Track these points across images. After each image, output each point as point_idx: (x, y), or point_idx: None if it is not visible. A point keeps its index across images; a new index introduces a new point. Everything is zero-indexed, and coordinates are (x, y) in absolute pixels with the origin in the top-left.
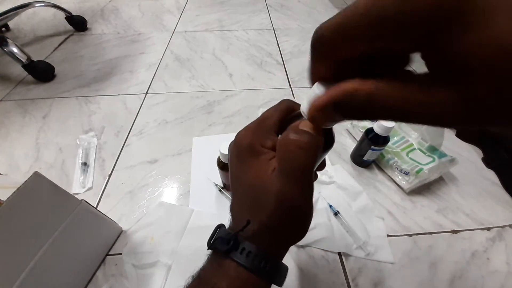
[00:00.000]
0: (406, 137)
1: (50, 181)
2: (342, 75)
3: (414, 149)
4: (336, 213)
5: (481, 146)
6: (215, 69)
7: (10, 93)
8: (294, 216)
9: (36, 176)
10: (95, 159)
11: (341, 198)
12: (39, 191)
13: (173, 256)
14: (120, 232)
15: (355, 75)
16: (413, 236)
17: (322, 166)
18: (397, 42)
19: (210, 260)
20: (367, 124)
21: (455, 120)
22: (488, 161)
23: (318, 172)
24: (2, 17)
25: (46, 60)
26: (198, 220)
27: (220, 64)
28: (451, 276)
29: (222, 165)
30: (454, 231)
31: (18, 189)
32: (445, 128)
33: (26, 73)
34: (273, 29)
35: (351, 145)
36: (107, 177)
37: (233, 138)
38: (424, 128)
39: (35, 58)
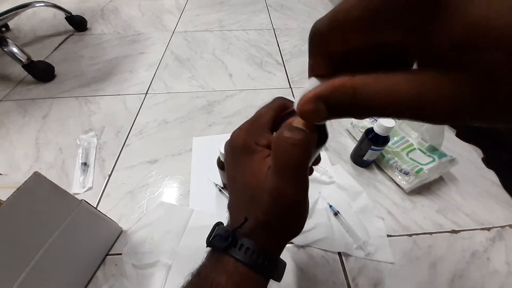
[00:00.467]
0: (406, 137)
1: (50, 181)
2: (337, 72)
3: (414, 149)
4: (336, 213)
5: (481, 146)
6: (215, 69)
7: (10, 93)
8: (290, 212)
9: (36, 176)
10: (95, 159)
11: (341, 198)
12: (39, 191)
13: (173, 256)
14: (120, 232)
15: (350, 72)
16: (413, 236)
17: (318, 161)
18: (387, 32)
19: (209, 257)
20: (367, 124)
21: (446, 111)
22: (488, 161)
23: (318, 171)
24: (2, 17)
25: (46, 60)
26: (198, 220)
27: (220, 64)
28: (451, 276)
29: (222, 165)
30: (454, 231)
31: (18, 189)
32: (445, 128)
33: (26, 73)
34: (273, 29)
35: (351, 145)
36: (107, 177)
37: None
38: (424, 128)
39: (35, 58)
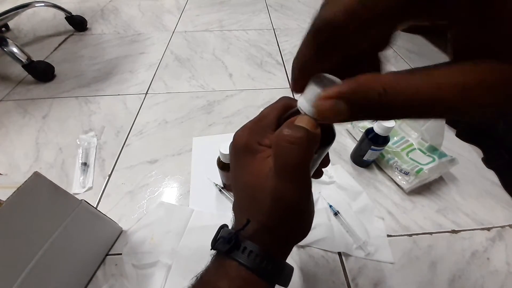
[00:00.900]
0: (406, 137)
1: (50, 181)
2: (339, 70)
3: (414, 149)
4: (336, 213)
5: (481, 146)
6: (215, 69)
7: (10, 93)
8: (293, 214)
9: (36, 176)
10: (95, 159)
11: (341, 198)
12: (39, 191)
13: (173, 256)
14: (120, 232)
15: (351, 70)
16: (413, 236)
17: (326, 162)
18: (432, 19)
19: (213, 261)
20: (367, 124)
21: (494, 102)
22: (488, 161)
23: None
24: (2, 17)
25: (46, 60)
26: (198, 220)
27: (220, 64)
28: (451, 276)
29: (222, 165)
30: (454, 231)
31: (18, 189)
32: (445, 128)
33: (26, 73)
34: (273, 29)
35: (351, 145)
36: (107, 177)
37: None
38: (424, 128)
39: (35, 58)
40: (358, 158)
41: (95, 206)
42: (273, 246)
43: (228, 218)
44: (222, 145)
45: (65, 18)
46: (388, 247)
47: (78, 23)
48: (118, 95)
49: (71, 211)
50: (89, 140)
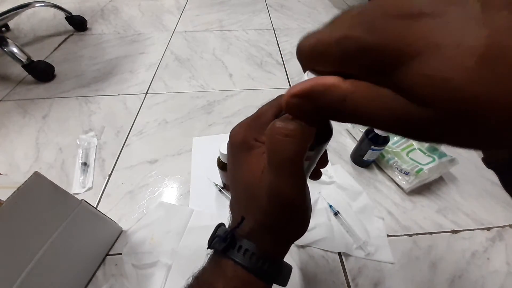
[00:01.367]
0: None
1: (50, 181)
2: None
3: (414, 149)
4: (336, 213)
5: None
6: (215, 69)
7: (10, 93)
8: (289, 211)
9: (36, 176)
10: (95, 159)
11: (341, 198)
12: (39, 191)
13: (173, 256)
14: (120, 232)
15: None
16: (413, 236)
17: (324, 162)
18: (361, 72)
19: (210, 260)
20: None
21: (421, 135)
22: (488, 161)
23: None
24: (2, 17)
25: (46, 60)
26: (198, 220)
27: (220, 64)
28: (451, 276)
29: (222, 165)
30: (454, 231)
31: (18, 189)
32: None
33: (26, 73)
34: (273, 29)
35: (351, 145)
36: (107, 177)
37: None
38: None
39: (35, 58)
40: (358, 158)
41: (95, 206)
42: (270, 244)
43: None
44: (222, 145)
45: (65, 18)
46: (388, 247)
47: (78, 23)
48: (118, 95)
49: (71, 211)
50: (89, 140)
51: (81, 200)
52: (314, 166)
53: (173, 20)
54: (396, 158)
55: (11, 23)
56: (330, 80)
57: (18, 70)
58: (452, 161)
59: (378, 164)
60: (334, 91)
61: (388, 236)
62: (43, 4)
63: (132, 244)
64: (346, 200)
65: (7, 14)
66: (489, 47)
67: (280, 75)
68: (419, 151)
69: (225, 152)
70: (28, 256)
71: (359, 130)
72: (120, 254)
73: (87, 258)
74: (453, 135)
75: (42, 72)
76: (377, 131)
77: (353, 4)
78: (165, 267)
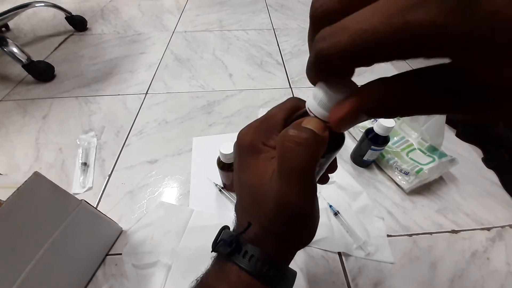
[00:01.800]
0: (406, 137)
1: (50, 181)
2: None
3: (414, 149)
4: (336, 213)
5: (481, 146)
6: (215, 69)
7: (10, 93)
8: (296, 219)
9: (36, 176)
10: (95, 159)
11: (341, 198)
12: (39, 191)
13: (173, 256)
14: (120, 232)
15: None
16: (413, 236)
17: (333, 168)
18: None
19: (213, 264)
20: (367, 124)
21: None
22: (488, 161)
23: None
24: (2, 17)
25: (46, 60)
26: (198, 220)
27: (220, 64)
28: (451, 276)
29: (222, 165)
30: (454, 231)
31: (18, 189)
32: (445, 128)
33: (26, 73)
34: (273, 29)
35: (351, 145)
36: (107, 177)
37: (233, 138)
38: (424, 128)
39: (35, 58)
40: (358, 158)
41: (95, 206)
42: (276, 250)
43: (228, 218)
44: (222, 145)
45: (65, 18)
46: (388, 247)
47: (78, 23)
48: (118, 95)
49: (71, 211)
50: (89, 140)
51: (81, 200)
52: (323, 171)
53: (173, 20)
54: (396, 158)
55: (11, 23)
56: (379, 89)
57: (18, 70)
58: (452, 161)
59: (378, 164)
60: (391, 99)
61: (388, 236)
62: (43, 4)
63: (132, 244)
64: (346, 200)
65: (7, 14)
66: None
67: (280, 75)
68: (419, 151)
69: (225, 152)
70: (28, 256)
71: (359, 130)
72: (120, 254)
73: (87, 258)
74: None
75: (42, 72)
76: (377, 131)
77: None
78: (165, 267)
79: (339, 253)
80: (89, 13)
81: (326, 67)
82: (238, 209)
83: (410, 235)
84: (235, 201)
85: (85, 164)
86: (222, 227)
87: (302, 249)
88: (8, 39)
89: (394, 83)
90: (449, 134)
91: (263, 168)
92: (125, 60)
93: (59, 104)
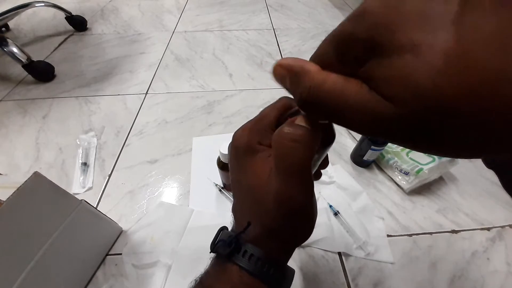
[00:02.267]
0: None
1: (50, 181)
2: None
3: None
4: (336, 213)
5: None
6: (215, 69)
7: (10, 93)
8: (296, 216)
9: (36, 176)
10: (95, 159)
11: (341, 198)
12: (39, 191)
13: (173, 256)
14: (120, 232)
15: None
16: (413, 236)
17: (325, 164)
18: (337, 61)
19: (213, 264)
20: None
21: (384, 132)
22: (488, 161)
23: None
24: (2, 17)
25: (46, 60)
26: (198, 220)
27: (220, 64)
28: (451, 276)
29: (222, 165)
30: (454, 231)
31: (18, 189)
32: None
33: (26, 73)
34: (273, 29)
35: (351, 145)
36: (107, 177)
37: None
38: None
39: (35, 58)
40: (358, 158)
41: (95, 206)
42: (275, 249)
43: (228, 218)
44: (222, 145)
45: (65, 18)
46: (388, 247)
47: (78, 23)
48: (118, 95)
49: (71, 211)
50: (89, 140)
51: (81, 200)
52: (316, 168)
53: (173, 20)
54: (396, 158)
55: (11, 23)
56: (309, 66)
57: (18, 70)
58: (452, 161)
59: (378, 164)
60: (306, 76)
61: (388, 236)
62: (43, 4)
63: (132, 244)
64: (346, 200)
65: (7, 14)
66: (455, 48)
67: None
68: None
69: (225, 152)
70: (28, 256)
71: None
72: (120, 254)
73: (87, 258)
74: (420, 135)
75: (42, 72)
76: None
77: (353, 4)
78: (165, 267)
79: (339, 253)
80: (89, 13)
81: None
82: (236, 209)
83: (410, 235)
84: None
85: (85, 164)
86: (220, 228)
87: (302, 249)
88: (8, 39)
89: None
90: None
91: (261, 168)
92: (125, 60)
93: (59, 104)
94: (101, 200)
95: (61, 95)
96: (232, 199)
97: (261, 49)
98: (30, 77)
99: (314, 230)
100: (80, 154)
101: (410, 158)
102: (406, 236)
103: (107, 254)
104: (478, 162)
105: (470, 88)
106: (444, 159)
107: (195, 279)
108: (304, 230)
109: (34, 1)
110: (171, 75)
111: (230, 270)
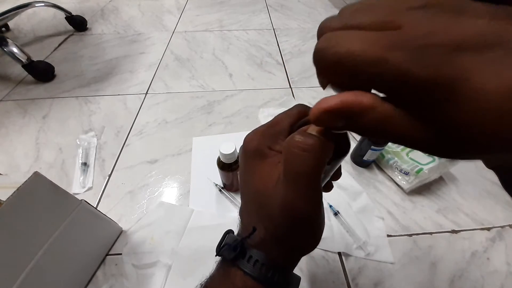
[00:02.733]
0: None
1: (50, 181)
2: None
3: None
4: (336, 213)
5: None
6: (215, 69)
7: (10, 93)
8: (300, 226)
9: (36, 176)
10: (95, 159)
11: (341, 198)
12: (39, 191)
13: (173, 256)
14: (120, 232)
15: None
16: (413, 236)
17: (338, 175)
18: (392, 96)
19: (218, 268)
20: None
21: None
22: (488, 161)
23: None
24: (2, 17)
25: (46, 60)
26: (198, 220)
27: (220, 64)
28: (451, 276)
29: (222, 165)
30: (454, 231)
31: (18, 189)
32: None
33: (26, 73)
34: (273, 29)
35: (351, 145)
36: (107, 177)
37: (233, 138)
38: None
39: (35, 58)
40: (358, 158)
41: (95, 206)
42: (280, 255)
43: (228, 218)
44: (222, 145)
45: (65, 18)
46: (388, 247)
47: (78, 23)
48: (118, 95)
49: (71, 211)
50: (89, 140)
51: (81, 200)
52: (328, 179)
53: (173, 20)
54: (396, 158)
55: (11, 23)
56: (368, 100)
57: (18, 70)
58: (452, 161)
59: (378, 164)
60: (371, 114)
61: (388, 236)
62: (43, 4)
63: (132, 244)
64: (346, 200)
65: (7, 14)
66: None
67: (280, 75)
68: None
69: (225, 152)
70: (28, 256)
71: None
72: (120, 254)
73: (87, 258)
74: (463, 157)
75: (42, 72)
76: None
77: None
78: (165, 267)
79: (339, 253)
80: (89, 13)
81: (320, 68)
82: (243, 213)
83: (410, 235)
84: (235, 201)
85: (85, 164)
86: (226, 231)
87: None
88: (8, 39)
89: (383, 99)
90: None
91: (269, 173)
92: (125, 60)
93: (59, 104)
94: (101, 200)
95: (61, 95)
96: (232, 199)
97: (261, 49)
98: (30, 77)
99: None
100: (80, 154)
101: (410, 158)
102: (406, 236)
103: (107, 254)
104: (478, 162)
105: None
106: (444, 159)
107: (200, 283)
108: (309, 240)
109: (34, 1)
110: (171, 75)
111: (234, 274)
